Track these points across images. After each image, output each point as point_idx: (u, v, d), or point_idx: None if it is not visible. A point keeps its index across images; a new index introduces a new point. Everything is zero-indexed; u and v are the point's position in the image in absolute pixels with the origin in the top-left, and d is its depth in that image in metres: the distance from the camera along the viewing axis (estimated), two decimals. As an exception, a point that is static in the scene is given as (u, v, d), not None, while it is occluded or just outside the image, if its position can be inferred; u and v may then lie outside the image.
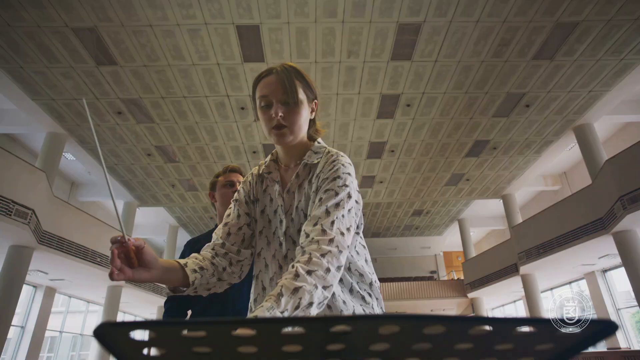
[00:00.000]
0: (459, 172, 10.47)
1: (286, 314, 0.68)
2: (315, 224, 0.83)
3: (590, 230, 7.55)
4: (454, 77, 6.96)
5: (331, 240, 0.79)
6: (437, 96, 7.44)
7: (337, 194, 0.87)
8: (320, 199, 0.87)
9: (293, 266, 0.75)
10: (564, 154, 10.31)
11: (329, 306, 0.86)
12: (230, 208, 1.06)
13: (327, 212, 0.84)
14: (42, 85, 6.74)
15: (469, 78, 6.98)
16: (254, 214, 1.04)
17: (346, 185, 0.89)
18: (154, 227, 14.94)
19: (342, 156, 0.97)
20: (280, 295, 0.69)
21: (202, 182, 10.54)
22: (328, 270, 0.76)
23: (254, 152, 9.24)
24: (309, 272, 0.73)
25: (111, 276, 0.71)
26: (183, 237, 15.70)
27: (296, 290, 0.70)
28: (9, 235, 6.22)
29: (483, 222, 15.27)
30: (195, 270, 0.90)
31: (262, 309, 0.66)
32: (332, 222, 0.83)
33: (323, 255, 0.76)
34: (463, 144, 9.10)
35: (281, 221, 0.97)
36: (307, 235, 0.82)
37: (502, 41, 6.19)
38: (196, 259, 0.93)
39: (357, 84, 7.09)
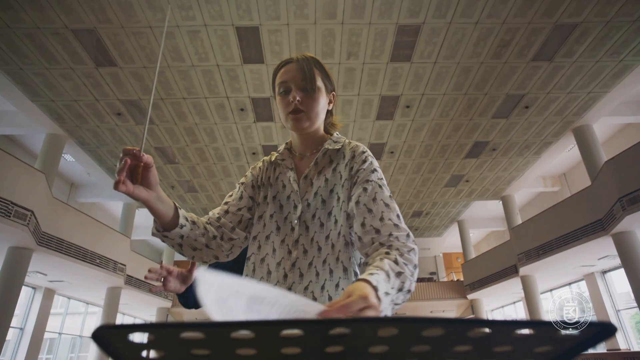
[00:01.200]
0: (459, 174, 10.48)
1: (392, 292, 0.68)
2: (381, 218, 0.84)
3: (589, 231, 7.55)
4: (454, 79, 6.97)
5: (408, 236, 0.82)
6: (436, 97, 7.44)
7: (380, 187, 0.91)
8: (365, 189, 0.90)
9: (388, 253, 0.75)
10: (564, 155, 10.31)
11: None
12: (234, 190, 1.08)
13: (387, 205, 0.87)
14: (41, 86, 6.74)
15: (469, 79, 6.99)
16: (258, 198, 1.05)
17: (383, 178, 0.94)
18: (153, 228, 14.91)
19: (366, 148, 1.01)
20: (388, 273, 0.69)
21: (202, 183, 10.54)
22: (415, 267, 0.77)
23: (254, 154, 9.23)
24: (405, 264, 0.75)
25: (116, 185, 0.71)
26: (182, 239, 15.68)
27: (399, 274, 0.72)
28: (8, 237, 6.21)
29: (482, 223, 15.27)
30: (186, 219, 0.90)
31: (382, 280, 0.65)
32: (398, 216, 0.86)
33: (409, 252, 0.78)
34: (462, 145, 9.11)
35: (295, 206, 0.98)
36: (378, 231, 0.82)
37: (501, 42, 6.20)
38: (188, 213, 0.94)
39: (356, 85, 7.09)
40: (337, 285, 0.89)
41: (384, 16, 5.71)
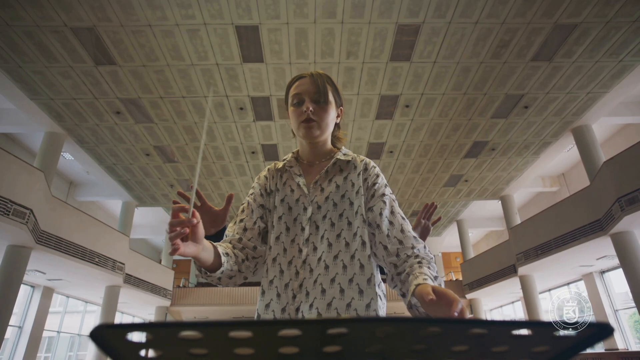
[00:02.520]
0: (458, 173, 10.49)
1: None
2: (402, 230, 0.99)
3: (588, 231, 7.55)
4: (453, 78, 6.97)
5: (425, 247, 0.98)
6: (436, 97, 7.45)
7: (394, 200, 1.05)
8: (384, 202, 1.03)
9: (421, 262, 0.91)
10: (563, 155, 10.32)
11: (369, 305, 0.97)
12: (244, 204, 1.12)
13: (404, 218, 1.02)
14: (40, 84, 6.72)
15: (468, 79, 6.99)
16: (269, 205, 1.11)
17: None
18: (152, 227, 14.92)
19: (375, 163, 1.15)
20: (432, 278, 0.85)
21: (201, 182, 10.54)
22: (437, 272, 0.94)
23: (253, 153, 9.23)
24: (435, 269, 0.92)
25: (173, 252, 0.72)
26: (181, 237, 15.64)
27: (436, 278, 0.87)
28: (6, 235, 6.20)
29: (481, 223, 15.28)
30: (224, 255, 0.93)
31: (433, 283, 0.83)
32: (412, 229, 1.02)
33: (432, 261, 0.94)
34: (462, 145, 9.11)
35: (305, 208, 1.05)
36: (401, 242, 0.98)
37: (501, 42, 6.21)
38: (220, 245, 0.96)
39: (356, 85, 7.09)
40: (351, 280, 0.95)
41: (383, 16, 5.71)
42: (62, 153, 8.48)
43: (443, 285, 0.84)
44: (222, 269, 0.91)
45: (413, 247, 0.96)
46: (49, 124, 7.77)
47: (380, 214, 1.01)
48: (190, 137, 8.47)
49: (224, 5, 5.45)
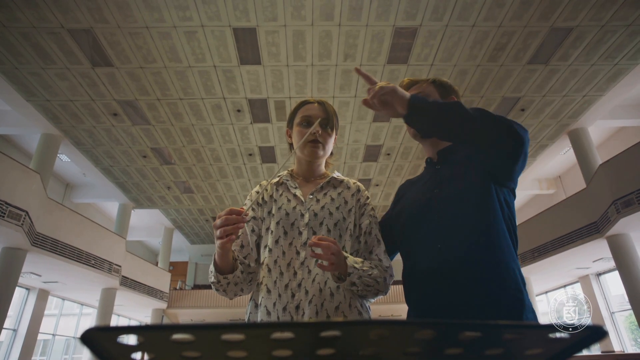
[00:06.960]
0: (455, 176, 10.49)
1: (362, 271, 1.02)
2: (371, 252, 1.14)
3: (584, 234, 7.58)
4: (450, 81, 6.98)
5: (386, 270, 1.10)
6: (433, 100, 7.46)
7: (376, 224, 1.19)
8: (369, 221, 1.17)
9: (374, 266, 1.08)
10: (559, 157, 10.36)
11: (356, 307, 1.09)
12: None
13: (378, 241, 1.16)
14: (37, 86, 6.70)
15: (465, 82, 7.02)
16: (261, 214, 1.20)
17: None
18: (149, 229, 14.86)
19: None
20: (363, 262, 1.05)
21: (198, 184, 10.51)
22: (385, 279, 1.09)
23: (250, 155, 9.22)
24: (376, 267, 1.08)
25: (226, 242, 0.90)
26: (178, 239, 15.62)
27: (372, 268, 1.05)
28: (2, 237, 6.16)
29: (478, 225, 15.27)
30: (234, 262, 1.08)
31: (356, 259, 1.03)
32: (384, 251, 1.15)
33: (385, 279, 1.09)
34: (459, 148, 9.12)
35: (302, 215, 1.14)
36: (365, 258, 1.11)
37: (497, 45, 6.24)
38: None
39: (353, 87, 7.11)
40: (338, 286, 1.05)
41: (381, 18, 5.73)
42: (58, 155, 8.44)
43: (381, 282, 1.04)
44: (231, 274, 1.04)
45: (376, 267, 1.11)
46: (45, 126, 7.74)
47: (365, 232, 1.16)
48: (187, 139, 8.45)
49: (222, 7, 5.45)
